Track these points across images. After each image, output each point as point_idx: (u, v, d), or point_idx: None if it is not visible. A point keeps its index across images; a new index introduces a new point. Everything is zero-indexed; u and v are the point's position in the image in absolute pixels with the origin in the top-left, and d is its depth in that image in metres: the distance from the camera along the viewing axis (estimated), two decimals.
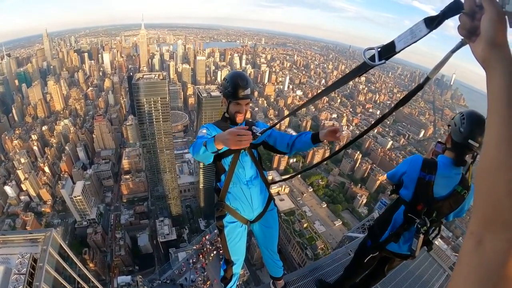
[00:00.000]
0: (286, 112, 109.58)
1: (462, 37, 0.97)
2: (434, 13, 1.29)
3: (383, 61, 1.45)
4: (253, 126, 3.19)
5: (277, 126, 3.51)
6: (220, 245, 3.86)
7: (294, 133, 3.56)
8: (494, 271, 0.61)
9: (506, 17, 0.81)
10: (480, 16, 0.84)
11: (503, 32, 0.80)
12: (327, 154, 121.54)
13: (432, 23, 1.15)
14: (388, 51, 1.41)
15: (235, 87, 3.00)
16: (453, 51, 1.18)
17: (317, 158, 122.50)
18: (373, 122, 2.00)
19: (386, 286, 6.38)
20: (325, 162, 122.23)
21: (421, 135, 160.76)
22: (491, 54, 0.78)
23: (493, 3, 0.81)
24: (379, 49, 1.44)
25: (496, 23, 0.78)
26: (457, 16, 0.98)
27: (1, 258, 16.14)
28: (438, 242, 76.84)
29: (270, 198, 3.66)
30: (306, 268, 5.93)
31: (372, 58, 1.47)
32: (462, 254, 0.71)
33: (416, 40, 1.25)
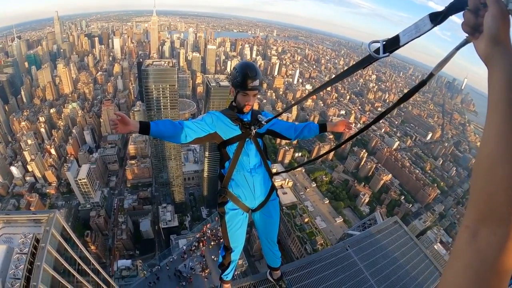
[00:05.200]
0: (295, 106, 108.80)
1: (467, 35, 0.99)
2: None
3: (387, 54, 1.50)
4: (259, 115, 3.23)
5: (284, 118, 3.57)
6: (221, 233, 3.91)
7: None
8: (488, 265, 0.64)
9: (510, 16, 0.83)
10: (484, 13, 0.86)
11: (506, 30, 0.82)
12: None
13: (436, 18, 1.20)
14: (392, 44, 1.46)
15: (244, 77, 2.98)
16: (458, 48, 1.22)
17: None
18: (375, 117, 1.99)
19: (381, 284, 6.40)
20: (330, 159, 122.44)
21: (429, 137, 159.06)
22: (493, 51, 0.81)
23: (497, 1, 0.83)
24: (384, 42, 1.49)
25: (499, 20, 0.81)
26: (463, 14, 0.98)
27: (4, 237, 16.36)
28: (437, 247, 76.90)
29: (273, 188, 3.69)
30: (303, 260, 5.97)
31: (377, 51, 1.53)
32: (456, 247, 0.73)
33: (420, 34, 1.30)
